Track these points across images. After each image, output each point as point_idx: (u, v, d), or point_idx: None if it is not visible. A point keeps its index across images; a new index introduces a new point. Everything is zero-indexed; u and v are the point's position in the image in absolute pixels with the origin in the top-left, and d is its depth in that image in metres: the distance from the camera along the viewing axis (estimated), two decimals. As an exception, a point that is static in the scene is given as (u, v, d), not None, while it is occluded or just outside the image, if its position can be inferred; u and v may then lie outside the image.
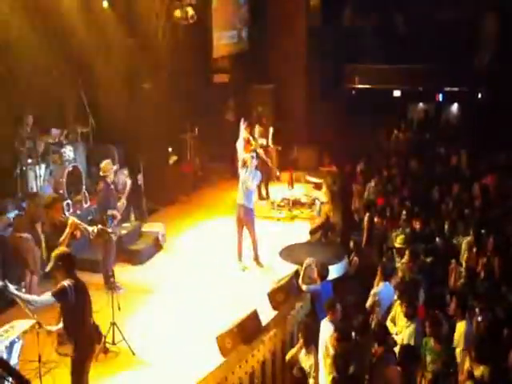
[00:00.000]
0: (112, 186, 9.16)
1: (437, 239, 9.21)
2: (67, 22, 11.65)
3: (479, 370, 5.61)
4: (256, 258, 9.90)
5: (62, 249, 6.31)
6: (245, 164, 9.71)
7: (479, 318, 6.73)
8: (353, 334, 6.51)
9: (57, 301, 5.74)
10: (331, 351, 6.32)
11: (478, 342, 5.85)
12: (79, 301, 5.80)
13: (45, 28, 11.35)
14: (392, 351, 6.23)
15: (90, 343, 6.04)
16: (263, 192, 13.06)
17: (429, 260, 8.47)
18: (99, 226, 8.19)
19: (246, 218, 9.71)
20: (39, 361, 6.01)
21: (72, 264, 5.94)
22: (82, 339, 5.89)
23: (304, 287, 7.91)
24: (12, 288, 5.77)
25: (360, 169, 13.17)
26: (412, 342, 6.48)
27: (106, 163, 9.04)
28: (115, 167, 9.68)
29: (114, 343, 7.50)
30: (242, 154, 11.59)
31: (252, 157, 9.87)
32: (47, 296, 5.74)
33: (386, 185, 12.16)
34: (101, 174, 9.05)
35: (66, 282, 5.74)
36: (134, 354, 7.42)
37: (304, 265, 8.05)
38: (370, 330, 6.72)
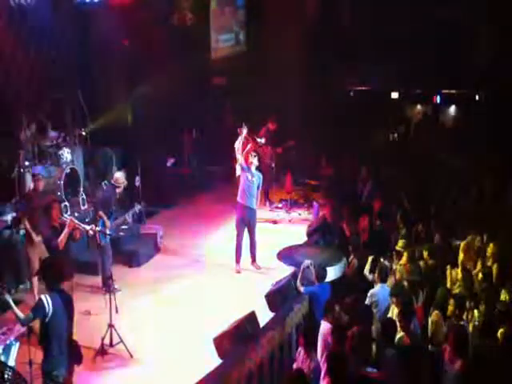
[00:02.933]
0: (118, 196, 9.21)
1: (435, 241, 9.21)
2: (66, 24, 11.70)
3: (457, 364, 5.65)
4: (254, 260, 9.95)
5: (48, 259, 6.31)
6: (249, 165, 9.82)
7: (476, 321, 6.75)
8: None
9: (36, 317, 5.63)
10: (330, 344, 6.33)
11: (457, 336, 5.86)
12: (57, 315, 5.61)
13: (43, 30, 11.39)
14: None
15: (68, 362, 5.79)
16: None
17: (428, 262, 8.47)
18: (96, 228, 8.22)
19: (251, 220, 9.85)
20: (30, 365, 5.98)
21: (57, 276, 5.79)
22: (58, 357, 5.67)
23: (302, 289, 7.90)
24: (8, 297, 5.77)
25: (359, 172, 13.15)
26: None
27: (120, 176, 9.11)
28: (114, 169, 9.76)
29: (111, 345, 7.49)
30: (240, 154, 11.72)
31: (254, 156, 9.98)
32: (29, 314, 5.66)
33: (383, 187, 12.15)
34: (112, 182, 9.12)
35: (44, 296, 5.63)
36: (131, 356, 7.42)
37: (302, 266, 8.03)
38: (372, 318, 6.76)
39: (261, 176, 10.00)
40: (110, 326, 7.48)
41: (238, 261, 9.88)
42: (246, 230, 9.90)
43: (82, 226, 7.97)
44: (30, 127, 10.55)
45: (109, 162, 11.96)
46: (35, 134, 10.64)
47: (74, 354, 5.94)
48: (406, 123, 17.91)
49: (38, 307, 5.60)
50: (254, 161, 9.88)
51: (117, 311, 7.53)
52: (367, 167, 12.85)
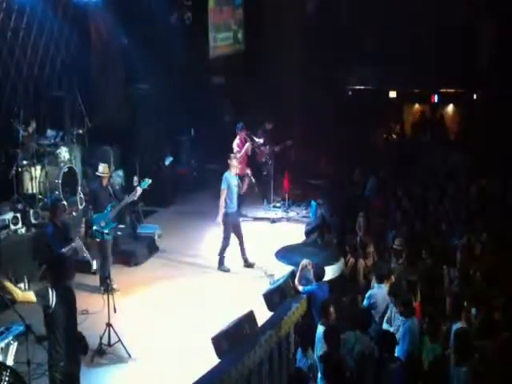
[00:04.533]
0: (108, 189, 9.13)
1: (433, 240, 9.22)
2: (64, 23, 11.68)
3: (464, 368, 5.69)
4: (247, 260, 10.01)
5: (53, 259, 6.41)
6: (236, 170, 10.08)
7: (474, 319, 6.76)
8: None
9: (38, 302, 5.70)
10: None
11: (462, 340, 5.90)
12: (59, 309, 5.70)
13: (40, 28, 11.37)
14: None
15: (74, 353, 5.90)
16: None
17: (426, 261, 8.48)
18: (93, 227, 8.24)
19: (238, 222, 10.09)
20: (28, 365, 6.00)
21: (60, 274, 5.88)
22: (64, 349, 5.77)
23: (300, 288, 7.90)
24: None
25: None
26: (407, 340, 6.48)
27: (102, 166, 9.07)
28: (112, 168, 9.71)
29: (109, 345, 7.49)
30: (238, 154, 11.81)
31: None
32: (30, 293, 5.76)
33: (382, 185, 12.16)
34: (99, 174, 9.05)
35: (50, 288, 5.71)
36: (129, 355, 7.41)
37: (300, 266, 8.03)
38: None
39: (237, 180, 10.21)
40: (108, 325, 7.47)
41: (222, 262, 9.96)
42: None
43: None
44: (30, 126, 10.54)
45: (107, 161, 11.92)
46: (34, 133, 10.63)
47: (80, 345, 6.07)
48: (401, 122, 17.95)
49: (43, 293, 5.67)
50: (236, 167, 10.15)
51: (115, 311, 7.52)
52: (361, 169, 12.84)
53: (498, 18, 15.74)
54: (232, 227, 9.93)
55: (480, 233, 9.05)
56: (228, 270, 9.91)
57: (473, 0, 16.29)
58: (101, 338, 7.41)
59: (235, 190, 9.96)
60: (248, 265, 10.01)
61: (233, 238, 10.02)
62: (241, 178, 11.66)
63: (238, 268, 10.01)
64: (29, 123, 10.51)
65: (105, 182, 9.01)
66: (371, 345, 6.43)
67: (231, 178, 9.97)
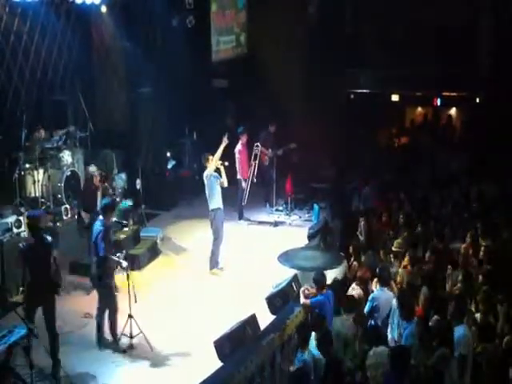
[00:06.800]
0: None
1: (436, 243, 9.20)
2: (67, 26, 11.71)
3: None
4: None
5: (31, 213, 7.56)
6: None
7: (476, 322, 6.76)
8: None
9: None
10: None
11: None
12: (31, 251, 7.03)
13: (43, 32, 11.40)
14: None
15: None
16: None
17: (429, 264, 8.47)
18: None
19: (223, 223, 10.17)
20: (31, 368, 6.00)
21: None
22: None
23: (308, 302, 7.72)
24: None
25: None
26: (409, 344, 6.46)
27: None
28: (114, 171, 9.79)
29: (131, 337, 7.68)
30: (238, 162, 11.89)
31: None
32: None
33: (383, 189, 12.16)
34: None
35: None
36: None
37: (302, 294, 7.91)
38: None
39: None
40: (130, 316, 7.71)
41: (217, 265, 9.98)
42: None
43: None
44: (40, 131, 10.62)
45: (110, 165, 11.96)
46: (39, 137, 10.68)
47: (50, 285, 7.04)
48: (399, 126, 17.95)
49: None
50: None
51: (135, 301, 7.66)
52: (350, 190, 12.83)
53: (499, 18, 15.74)
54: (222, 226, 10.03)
55: (482, 235, 9.04)
56: (221, 268, 9.97)
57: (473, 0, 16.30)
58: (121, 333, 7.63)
59: (219, 188, 9.96)
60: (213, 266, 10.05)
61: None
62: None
63: (241, 271, 10.01)
64: (39, 129, 10.57)
65: (95, 181, 9.43)
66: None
67: (212, 176, 9.92)
